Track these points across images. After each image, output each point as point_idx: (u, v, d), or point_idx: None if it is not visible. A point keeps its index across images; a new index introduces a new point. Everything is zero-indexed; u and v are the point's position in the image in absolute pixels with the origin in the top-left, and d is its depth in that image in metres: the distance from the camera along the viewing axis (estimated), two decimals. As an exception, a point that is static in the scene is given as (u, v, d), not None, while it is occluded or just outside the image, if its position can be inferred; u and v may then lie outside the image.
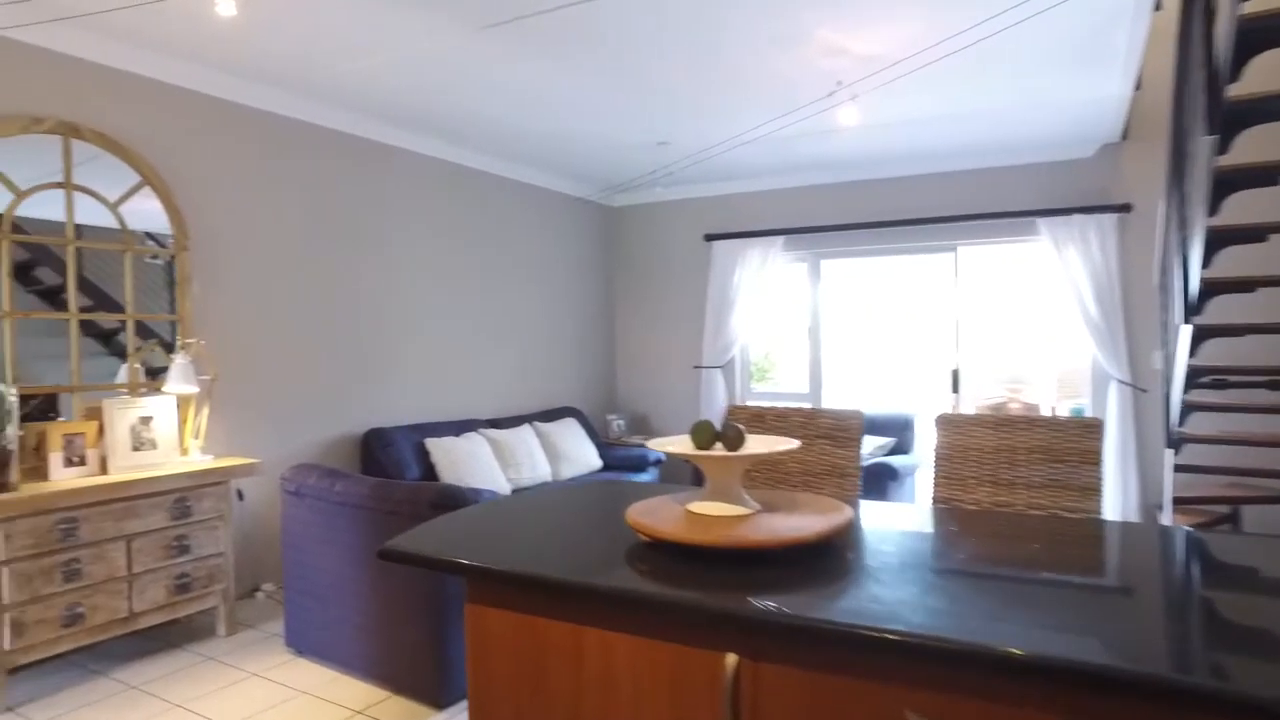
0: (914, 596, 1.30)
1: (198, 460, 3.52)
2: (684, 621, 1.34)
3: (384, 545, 1.59)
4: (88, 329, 3.57)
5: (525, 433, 5.18)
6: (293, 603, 3.20)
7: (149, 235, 3.71)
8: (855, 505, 2.00)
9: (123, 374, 3.63)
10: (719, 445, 1.68)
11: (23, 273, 3.24)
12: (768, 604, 1.26)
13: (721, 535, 1.47)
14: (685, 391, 6.64)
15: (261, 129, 4.14)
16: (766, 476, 2.36)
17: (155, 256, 3.73)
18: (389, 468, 4.44)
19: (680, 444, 1.68)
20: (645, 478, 5.48)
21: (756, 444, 1.70)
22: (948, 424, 2.19)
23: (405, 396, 4.94)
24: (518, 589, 1.51)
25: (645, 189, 6.63)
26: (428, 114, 4.53)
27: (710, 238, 6.48)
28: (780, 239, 6.20)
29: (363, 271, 4.68)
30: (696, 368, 6.55)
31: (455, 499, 2.70)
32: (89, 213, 3.49)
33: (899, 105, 4.43)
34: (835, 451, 2.27)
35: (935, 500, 2.15)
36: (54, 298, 3.43)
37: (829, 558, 1.53)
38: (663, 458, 5.66)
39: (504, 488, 4.74)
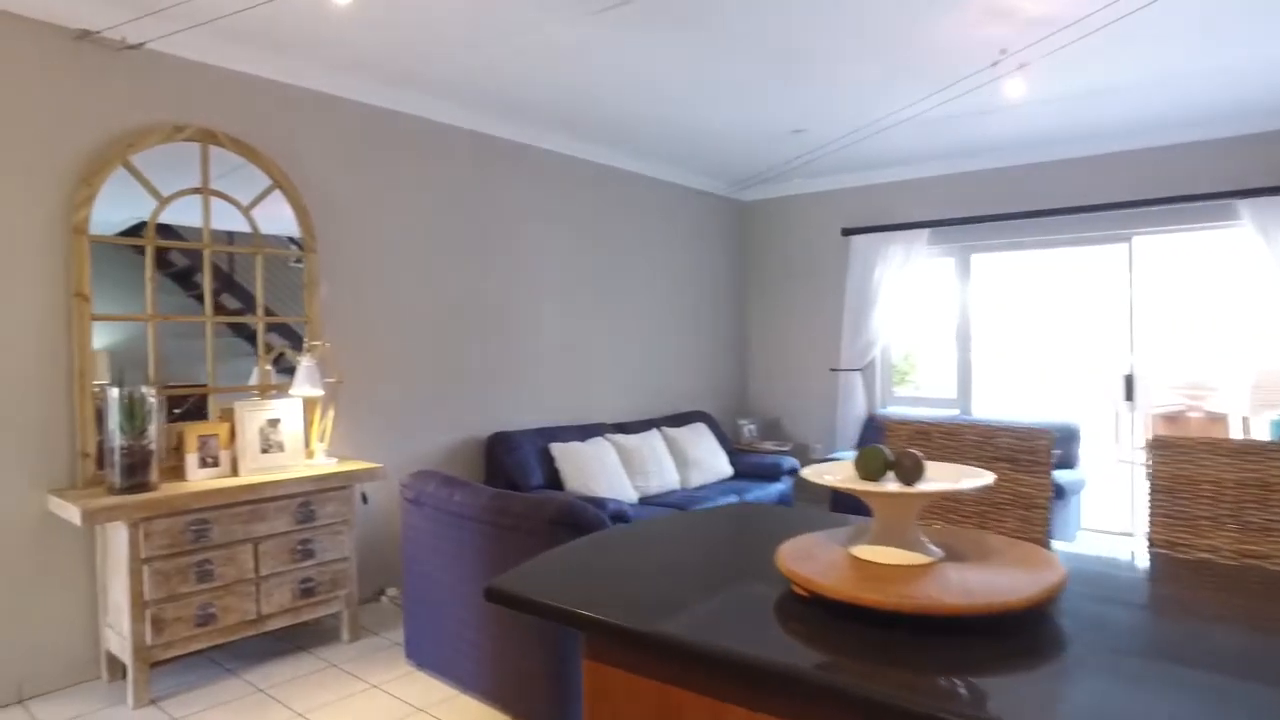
0: (1178, 704, 0.95)
1: (323, 464, 3.48)
2: (861, 714, 1.04)
3: (491, 583, 1.37)
4: (238, 331, 3.61)
5: (653, 438, 4.95)
6: (412, 614, 3.09)
7: (291, 240, 3.72)
8: (1046, 546, 1.62)
9: (254, 376, 3.65)
10: (890, 475, 1.36)
11: (184, 278, 3.36)
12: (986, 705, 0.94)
13: (903, 595, 1.16)
14: (821, 395, 6.24)
15: (385, 128, 4.10)
16: (936, 506, 2.01)
17: (299, 261, 3.73)
18: (512, 473, 4.32)
19: (843, 474, 1.37)
20: (779, 488, 5.14)
21: (938, 473, 1.38)
22: (1168, 449, 1.77)
23: (530, 399, 4.81)
24: (644, 650, 1.25)
25: (778, 182, 6.27)
26: (550, 106, 4.37)
27: (848, 232, 6.05)
28: (925, 232, 5.70)
29: (487, 271, 4.58)
30: (833, 370, 6.13)
31: (576, 517, 2.48)
32: (231, 218, 3.51)
33: (1071, 75, 3.90)
34: (1020, 478, 1.89)
35: (1153, 544, 1.74)
36: (183, 281, 3.49)
37: (1040, 629, 1.19)
38: (797, 466, 5.30)
39: (630, 496, 4.52)
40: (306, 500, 3.28)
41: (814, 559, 1.32)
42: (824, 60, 3.71)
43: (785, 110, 4.47)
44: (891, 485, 1.32)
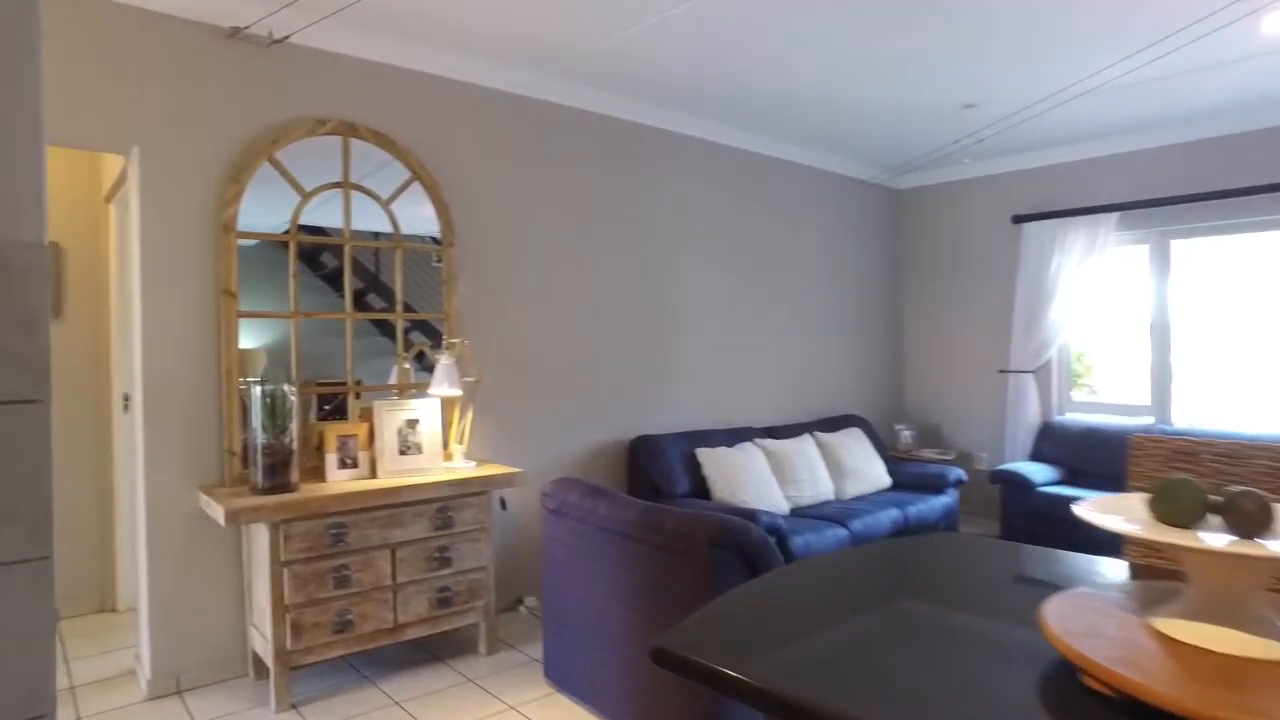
0: None
1: (461, 467, 3.33)
2: None
3: (658, 644, 1.09)
4: (384, 330, 3.54)
5: (805, 444, 4.57)
6: (551, 631, 2.87)
7: (433, 240, 3.62)
8: None
9: (393, 374, 3.56)
10: (1212, 520, 0.98)
11: (334, 280, 3.33)
12: None
13: None
14: (986, 399, 5.64)
15: (525, 117, 3.93)
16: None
17: (438, 260, 3.63)
18: (656, 479, 4.06)
19: (1133, 515, 1.00)
20: (944, 501, 4.63)
21: (1282, 523, 0.97)
22: None
23: (675, 401, 4.54)
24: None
25: (939, 166, 5.72)
26: (696, 89, 4.08)
27: (1020, 219, 5.43)
28: (1114, 216, 5.02)
29: (629, 266, 4.34)
30: (1002, 372, 5.53)
31: (738, 538, 2.17)
32: (374, 218, 3.43)
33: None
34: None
35: None
36: (359, 299, 3.43)
37: None
38: (964, 478, 4.77)
39: (782, 506, 4.17)
40: (444, 506, 3.14)
41: (1102, 634, 0.96)
42: (1004, 22, 3.23)
43: (955, 84, 3.99)
44: (1219, 537, 0.94)
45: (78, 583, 4.05)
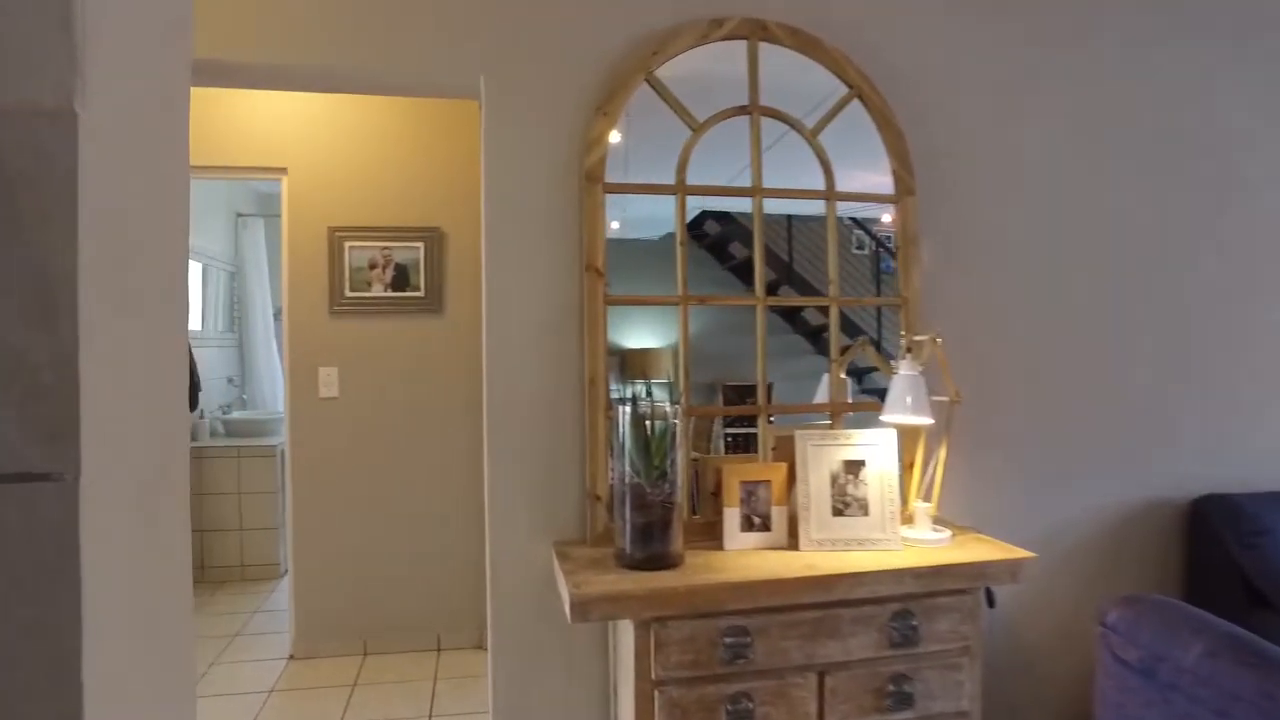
0: None
1: (929, 541, 2.11)
2: None
3: None
4: (796, 325, 2.53)
5: None
6: None
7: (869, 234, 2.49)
8: None
9: (821, 390, 2.47)
10: None
11: (744, 272, 2.49)
12: None
13: None
14: None
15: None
16: None
17: (860, 246, 2.49)
18: (1255, 575, 2.41)
19: None
20: None
21: None
22: None
23: (1266, 442, 2.79)
24: None
25: None
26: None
27: None
28: None
29: (1189, 233, 2.72)
30: None
31: None
32: (785, 173, 2.40)
33: None
34: None
35: None
36: (770, 292, 2.46)
37: None
38: None
39: None
40: (905, 608, 1.95)
41: None
42: None
43: None
44: None
45: (455, 612, 3.68)
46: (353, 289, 3.60)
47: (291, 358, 3.62)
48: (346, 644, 3.69)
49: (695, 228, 2.47)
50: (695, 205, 2.41)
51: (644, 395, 2.02)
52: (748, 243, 2.56)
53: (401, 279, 3.64)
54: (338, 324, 3.64)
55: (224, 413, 5.88)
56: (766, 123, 2.36)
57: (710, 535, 2.17)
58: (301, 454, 3.63)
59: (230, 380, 6.38)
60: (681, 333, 2.26)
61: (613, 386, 2.24)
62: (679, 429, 2.00)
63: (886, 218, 2.48)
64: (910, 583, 1.92)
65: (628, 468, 1.98)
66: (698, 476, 2.34)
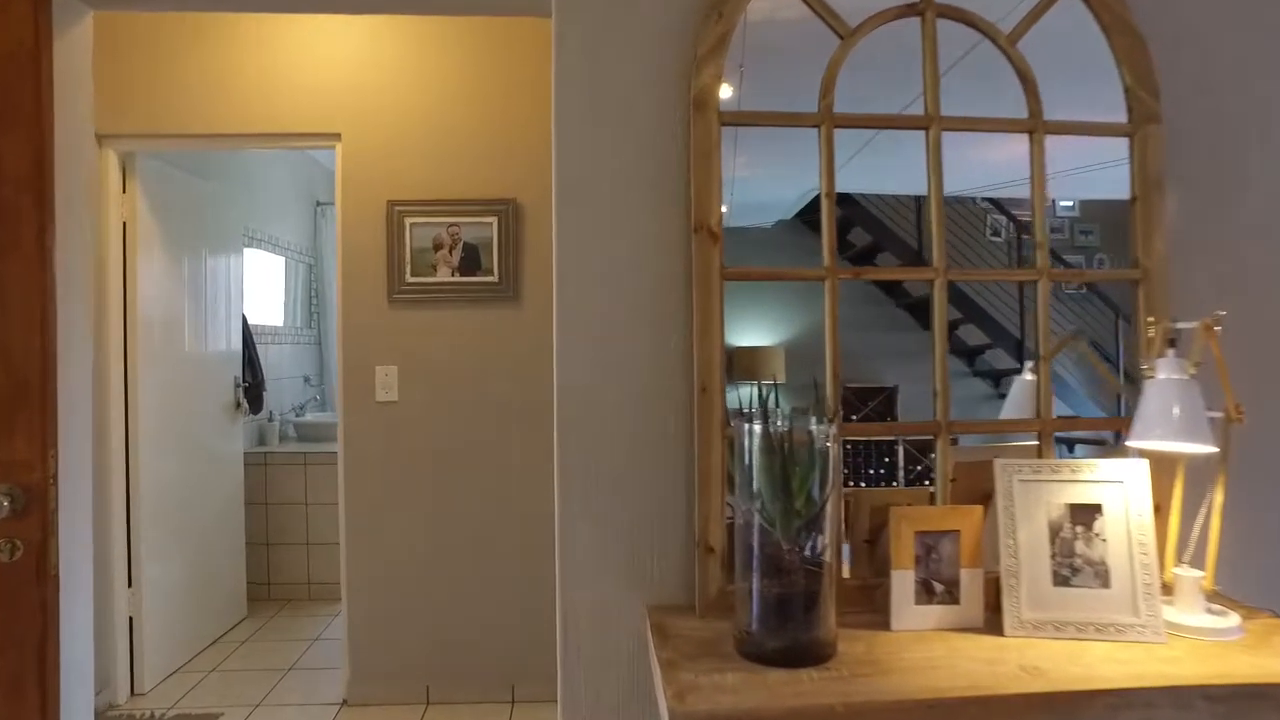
0: None
1: (1207, 628, 1.42)
2: None
3: None
4: (923, 316, 1.89)
5: None
6: None
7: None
8: None
9: (1015, 397, 1.84)
10: None
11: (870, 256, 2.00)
12: None
13: None
14: None
15: None
16: None
17: (1011, 228, 1.81)
18: None
19: None
20: None
21: None
22: None
23: None
24: None
25: None
26: None
27: None
28: None
29: None
30: None
31: None
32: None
33: None
34: None
35: None
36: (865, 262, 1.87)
37: None
38: None
39: None
40: (1187, 742, 1.28)
41: None
42: None
43: None
44: None
45: (533, 659, 3.16)
46: (415, 273, 3.13)
47: (345, 354, 3.18)
48: (406, 689, 3.23)
49: (808, 213, 1.92)
50: (809, 188, 1.80)
51: (775, 407, 1.42)
52: (871, 228, 2.02)
53: (471, 261, 3.15)
54: (397, 315, 3.17)
55: (297, 414, 5.58)
56: (942, 33, 1.72)
57: (865, 603, 1.56)
58: (355, 467, 3.19)
59: (307, 379, 6.10)
60: (829, 320, 1.65)
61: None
62: (832, 456, 1.39)
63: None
64: (1203, 711, 1.25)
65: (756, 513, 1.38)
66: (846, 514, 1.73)
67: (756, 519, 1.37)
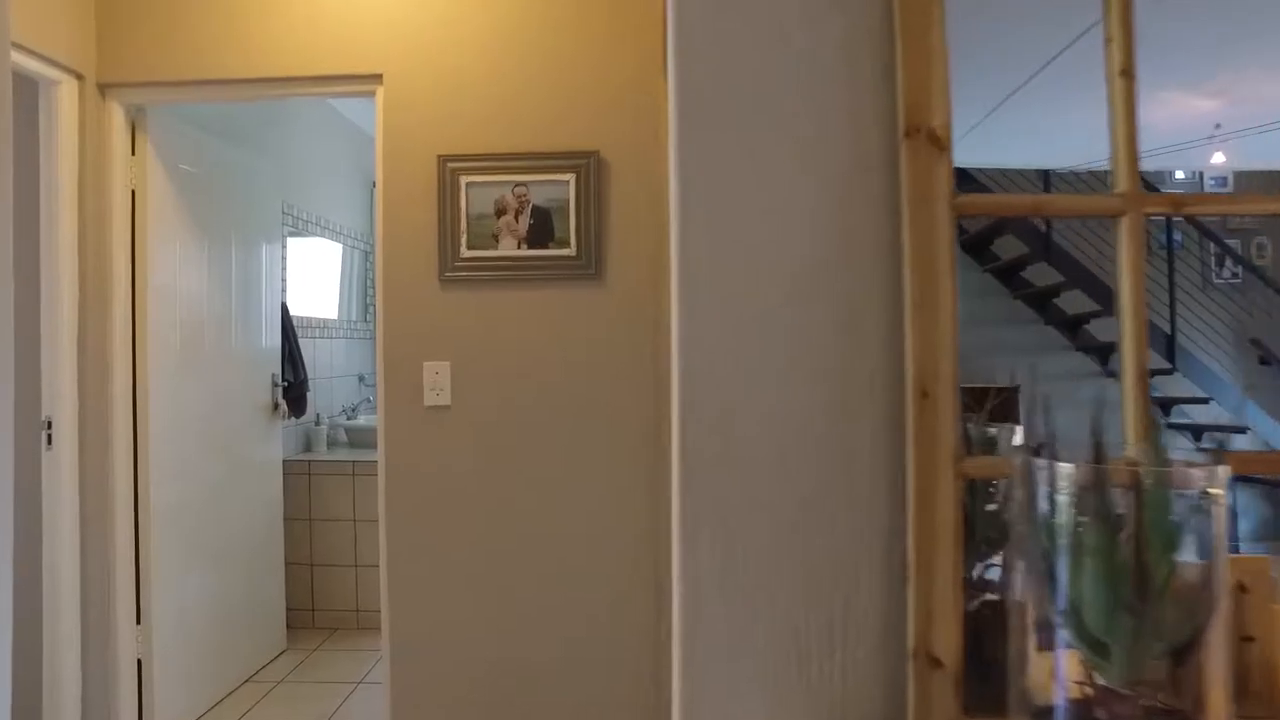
0: None
1: None
2: None
3: None
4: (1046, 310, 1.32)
5: None
6: None
7: None
8: None
9: None
10: None
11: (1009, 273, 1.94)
12: None
13: None
14: None
15: None
16: None
17: None
18: None
19: None
20: None
21: None
22: None
23: None
24: None
25: None
26: None
27: None
28: None
29: None
30: None
31: None
32: None
33: None
34: None
35: None
36: (1012, 273, 1.88)
37: None
38: None
39: None
40: None
41: None
42: None
43: None
44: None
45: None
46: (472, 246, 2.57)
47: (385, 348, 2.64)
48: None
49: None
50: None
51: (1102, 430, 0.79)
52: (1023, 238, 1.46)
53: (543, 229, 2.57)
54: (451, 298, 2.62)
55: (348, 417, 5.12)
56: None
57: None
58: (399, 485, 2.65)
59: (361, 379, 5.64)
60: (1129, 278, 1.01)
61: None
62: (1222, 528, 0.75)
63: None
64: None
65: (1061, 626, 0.76)
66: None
67: (1085, 655, 0.74)
